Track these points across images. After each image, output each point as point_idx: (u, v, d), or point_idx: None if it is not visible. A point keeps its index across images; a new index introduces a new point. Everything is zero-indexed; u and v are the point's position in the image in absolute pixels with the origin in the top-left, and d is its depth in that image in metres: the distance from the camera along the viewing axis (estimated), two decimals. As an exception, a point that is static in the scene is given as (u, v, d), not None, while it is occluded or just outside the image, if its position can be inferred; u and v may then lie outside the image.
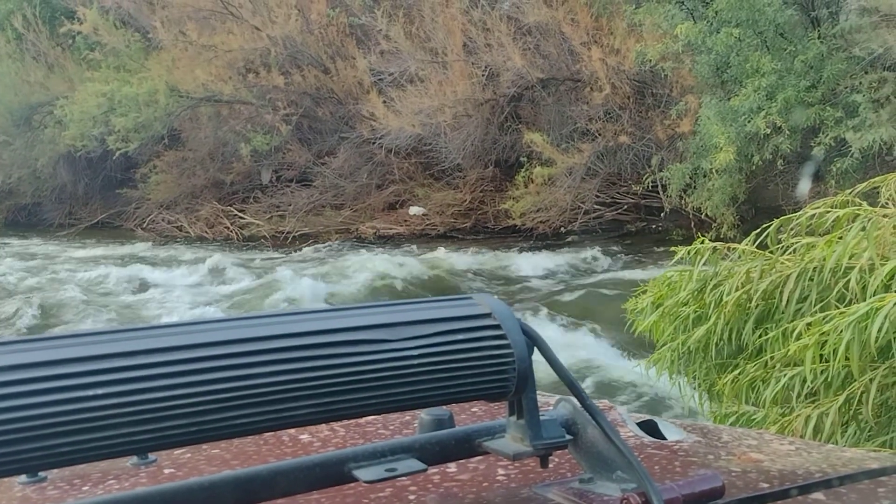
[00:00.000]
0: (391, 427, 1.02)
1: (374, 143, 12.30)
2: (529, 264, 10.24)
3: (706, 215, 8.76)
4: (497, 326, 0.68)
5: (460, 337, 0.66)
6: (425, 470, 0.69)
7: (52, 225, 15.32)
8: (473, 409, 1.06)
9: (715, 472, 0.79)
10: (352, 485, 0.70)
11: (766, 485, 0.80)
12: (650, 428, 1.03)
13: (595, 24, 10.93)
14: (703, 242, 2.24)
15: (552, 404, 0.76)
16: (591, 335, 7.24)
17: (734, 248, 2.16)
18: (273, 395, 0.59)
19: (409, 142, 11.25)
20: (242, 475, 0.66)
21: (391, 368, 0.63)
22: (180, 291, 9.45)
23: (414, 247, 11.87)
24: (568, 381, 0.70)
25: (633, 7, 10.07)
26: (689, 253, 2.25)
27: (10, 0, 14.70)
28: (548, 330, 7.20)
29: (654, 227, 11.82)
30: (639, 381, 6.10)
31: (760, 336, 1.98)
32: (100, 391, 0.54)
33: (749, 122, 7.49)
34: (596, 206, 11.51)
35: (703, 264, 2.34)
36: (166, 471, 0.89)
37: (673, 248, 2.37)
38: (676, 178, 8.68)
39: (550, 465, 0.76)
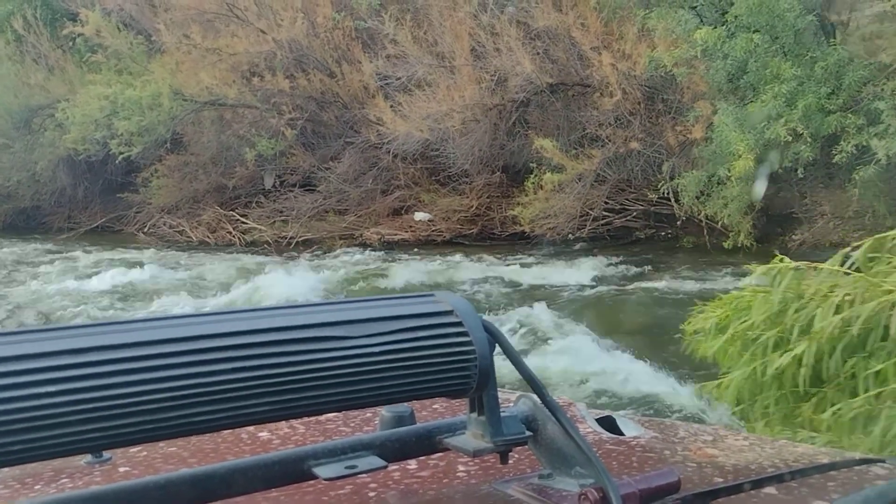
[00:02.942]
0: (352, 424, 1.01)
1: (379, 148, 12.15)
2: (538, 271, 10.09)
3: (722, 224, 8.62)
4: (459, 324, 0.67)
5: (422, 334, 0.66)
6: (385, 467, 0.69)
7: (50, 229, 15.10)
8: (435, 406, 1.06)
9: (671, 467, 0.79)
10: (311, 482, 0.69)
11: (720, 479, 0.82)
12: (609, 424, 1.04)
13: (605, 29, 10.80)
14: (781, 261, 2.08)
15: (513, 401, 0.76)
16: (603, 344, 7.04)
17: (819, 268, 2.00)
18: (232, 392, 0.58)
19: (416, 147, 11.10)
20: (199, 473, 0.65)
21: (352, 365, 0.62)
22: (180, 297, 9.26)
23: (420, 253, 11.72)
24: (529, 378, 0.70)
25: (644, 12, 9.94)
26: (767, 272, 2.09)
27: (10, 1, 14.51)
28: (559, 339, 7.00)
29: (663, 233, 11.69)
30: (653, 390, 5.95)
31: (853, 366, 1.83)
32: (52, 388, 0.53)
33: (768, 129, 7.35)
34: (604, 213, 11.39)
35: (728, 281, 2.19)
36: (121, 469, 0.87)
37: (748, 266, 2.20)
38: (692, 185, 8.54)
39: (510, 462, 0.75)
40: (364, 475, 0.72)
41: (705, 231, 9.64)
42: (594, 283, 9.51)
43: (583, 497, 0.68)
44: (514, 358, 0.70)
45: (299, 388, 0.61)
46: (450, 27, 10.98)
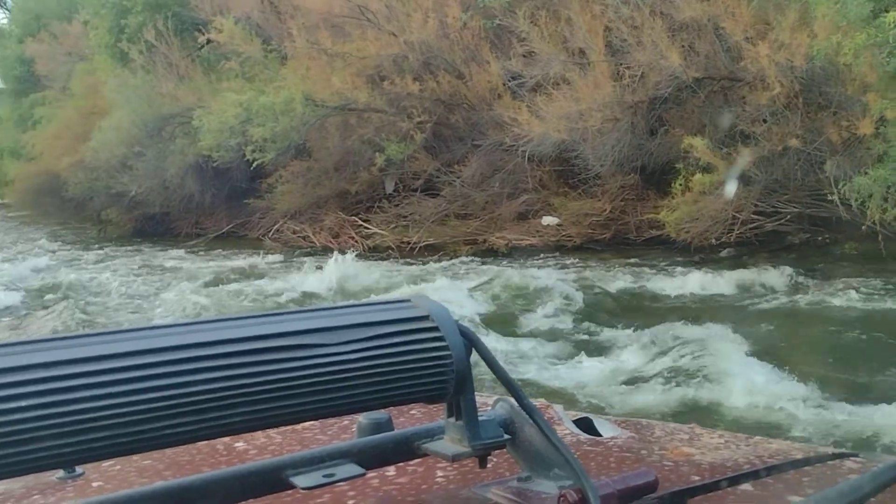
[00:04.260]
0: (329, 432, 1.02)
1: (507, 151, 11.74)
2: (685, 280, 9.40)
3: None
4: (435, 328, 0.68)
5: (398, 340, 0.66)
6: (364, 474, 0.69)
7: (178, 235, 15.47)
8: (412, 412, 1.06)
9: (648, 467, 0.81)
10: (289, 492, 0.69)
11: (697, 478, 0.84)
12: (586, 425, 1.06)
13: (756, 18, 10.02)
14: None
15: (490, 404, 0.77)
16: (777, 366, 6.27)
17: None
18: (206, 403, 0.58)
19: (550, 149, 10.61)
20: (175, 486, 0.65)
21: (328, 373, 0.62)
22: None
23: (551, 259, 11.22)
24: (506, 381, 0.70)
25: (805, -4, 9.11)
26: None
27: (142, 13, 14.93)
28: (723, 360, 6.19)
29: (819, 238, 10.77)
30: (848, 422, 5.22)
31: None
32: (23, 403, 0.52)
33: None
34: (754, 216, 10.58)
35: None
36: (94, 484, 0.87)
37: None
38: (877, 186, 7.70)
39: (489, 465, 0.75)
40: (342, 483, 0.71)
41: (880, 236, 8.74)
42: (751, 294, 8.77)
43: (562, 499, 0.67)
44: (490, 362, 0.70)
45: (275, 397, 0.60)
46: (585, 21, 10.44)
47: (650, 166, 11.46)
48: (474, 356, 0.70)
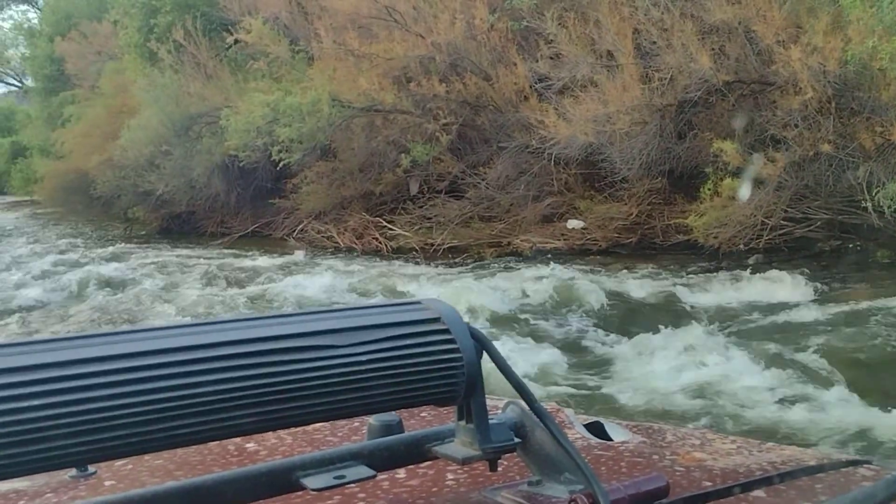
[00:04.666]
0: (339, 434, 1.02)
1: (533, 154, 11.68)
2: (713, 287, 9.27)
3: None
4: (446, 331, 0.68)
5: (409, 342, 0.66)
6: (374, 476, 0.69)
7: (203, 234, 15.57)
8: (423, 415, 1.07)
9: (660, 472, 0.80)
10: (300, 493, 0.69)
11: (709, 483, 0.83)
12: (597, 429, 1.05)
13: (788, 22, 9.87)
14: None
15: (501, 408, 0.76)
16: (807, 380, 6.13)
17: None
18: (219, 404, 0.58)
19: (577, 152, 10.53)
20: (187, 486, 0.65)
21: (339, 374, 0.62)
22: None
23: (575, 263, 11.12)
24: (516, 385, 0.70)
25: None
26: None
27: (171, 13, 15.05)
28: (759, 371, 6.07)
29: (850, 246, 10.58)
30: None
31: None
32: (36, 402, 0.52)
33: None
34: (783, 222, 10.42)
35: None
36: (107, 483, 0.87)
37: None
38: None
39: (499, 469, 0.75)
40: (352, 485, 0.71)
41: (916, 244, 8.57)
42: (778, 301, 8.61)
43: (572, 503, 0.67)
44: (501, 365, 0.70)
45: (286, 398, 0.60)
46: (614, 24, 10.35)
47: (678, 170, 11.33)
48: (485, 359, 0.70)
